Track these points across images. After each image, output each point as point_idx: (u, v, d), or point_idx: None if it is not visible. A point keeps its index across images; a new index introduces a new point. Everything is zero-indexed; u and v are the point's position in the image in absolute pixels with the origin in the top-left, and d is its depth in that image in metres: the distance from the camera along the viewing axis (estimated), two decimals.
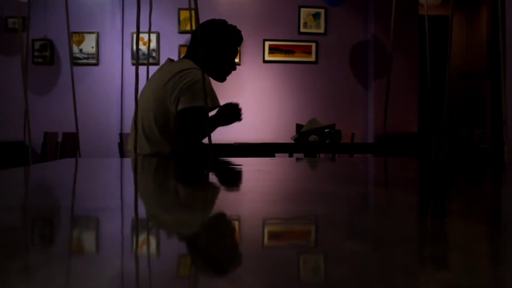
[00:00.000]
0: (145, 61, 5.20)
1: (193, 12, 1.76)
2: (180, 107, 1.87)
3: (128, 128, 4.79)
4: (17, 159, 4.73)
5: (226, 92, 4.37)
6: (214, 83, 2.07)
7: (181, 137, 1.93)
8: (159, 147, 1.90)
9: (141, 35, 5.13)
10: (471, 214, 0.53)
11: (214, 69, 2.06)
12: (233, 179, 1.00)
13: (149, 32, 2.60)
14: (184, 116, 1.88)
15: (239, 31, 2.14)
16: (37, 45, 5.18)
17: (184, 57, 2.08)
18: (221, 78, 2.14)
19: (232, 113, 2.04)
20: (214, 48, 2.05)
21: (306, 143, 2.79)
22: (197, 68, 1.93)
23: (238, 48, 2.16)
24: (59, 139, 4.47)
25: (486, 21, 6.04)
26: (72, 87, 2.68)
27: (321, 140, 2.75)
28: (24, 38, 3.29)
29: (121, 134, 3.83)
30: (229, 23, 2.16)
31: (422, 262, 0.33)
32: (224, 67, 2.10)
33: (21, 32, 2.28)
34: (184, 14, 5.17)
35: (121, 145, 3.04)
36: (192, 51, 2.07)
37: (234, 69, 2.16)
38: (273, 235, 0.43)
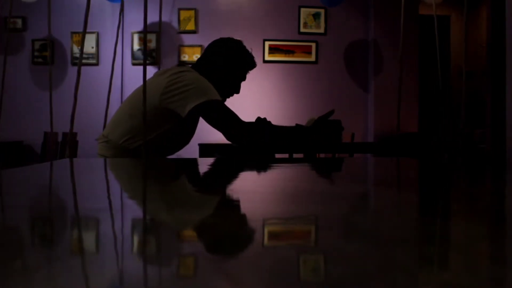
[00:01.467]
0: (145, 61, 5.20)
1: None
2: (188, 107, 1.79)
3: None
4: (17, 159, 4.73)
5: None
6: None
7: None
8: (125, 139, 1.85)
9: (141, 35, 5.13)
10: (471, 214, 0.53)
11: (217, 86, 1.95)
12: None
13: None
14: (204, 113, 1.82)
15: (252, 57, 2.07)
16: (37, 45, 5.18)
17: (191, 67, 2.01)
18: (221, 98, 2.03)
19: (332, 131, 1.91)
20: (223, 64, 1.98)
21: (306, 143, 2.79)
22: (189, 71, 1.89)
23: (247, 73, 2.08)
24: (59, 139, 4.47)
25: (486, 21, 6.03)
26: (50, 88, 2.68)
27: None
28: (21, 38, 3.30)
29: (70, 132, 3.80)
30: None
31: (422, 262, 0.33)
32: (228, 87, 2.02)
33: (5, 31, 2.28)
34: (184, 14, 5.17)
35: (70, 146, 3.04)
36: (200, 63, 2.01)
37: (237, 92, 2.08)
38: (273, 235, 0.43)
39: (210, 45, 2.07)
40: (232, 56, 2.01)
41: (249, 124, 1.93)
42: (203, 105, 1.79)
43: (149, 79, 1.97)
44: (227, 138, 1.91)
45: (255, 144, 1.89)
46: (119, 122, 1.89)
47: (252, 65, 2.07)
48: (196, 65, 2.02)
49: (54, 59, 5.22)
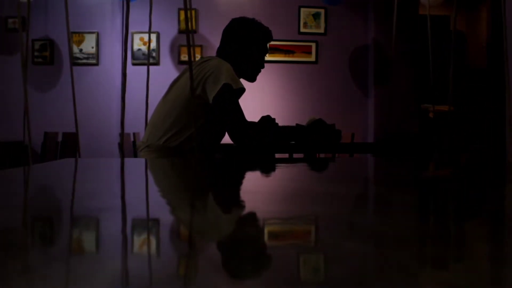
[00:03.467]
0: (145, 61, 5.19)
1: (192, 12, 1.76)
2: (210, 95, 1.83)
3: (127, 128, 4.79)
4: (17, 159, 4.72)
5: None
6: None
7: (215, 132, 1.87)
8: (168, 138, 1.87)
9: (141, 35, 5.13)
10: (471, 214, 0.53)
11: (244, 68, 2.00)
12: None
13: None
14: (216, 103, 1.84)
15: (267, 28, 2.09)
16: (37, 45, 5.18)
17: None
18: (252, 78, 2.07)
19: (331, 131, 1.98)
20: (243, 46, 2.02)
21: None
22: (212, 59, 1.93)
23: (268, 46, 2.10)
24: (59, 139, 4.47)
25: (486, 21, 6.04)
26: (72, 89, 2.68)
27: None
28: (24, 38, 3.30)
29: (121, 134, 3.80)
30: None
31: (422, 262, 0.33)
32: (253, 66, 2.05)
33: (21, 32, 2.28)
34: (184, 14, 5.17)
35: (121, 146, 3.04)
36: (221, 50, 2.05)
37: (263, 67, 2.10)
38: (273, 235, 0.43)
39: (224, 29, 2.10)
40: (246, 34, 2.04)
41: (253, 123, 1.94)
42: (223, 88, 1.82)
43: (179, 76, 2.00)
44: (231, 135, 1.91)
45: (258, 143, 1.89)
46: (157, 124, 1.91)
47: (268, 37, 2.09)
48: (217, 52, 2.07)
49: (53, 59, 5.23)
